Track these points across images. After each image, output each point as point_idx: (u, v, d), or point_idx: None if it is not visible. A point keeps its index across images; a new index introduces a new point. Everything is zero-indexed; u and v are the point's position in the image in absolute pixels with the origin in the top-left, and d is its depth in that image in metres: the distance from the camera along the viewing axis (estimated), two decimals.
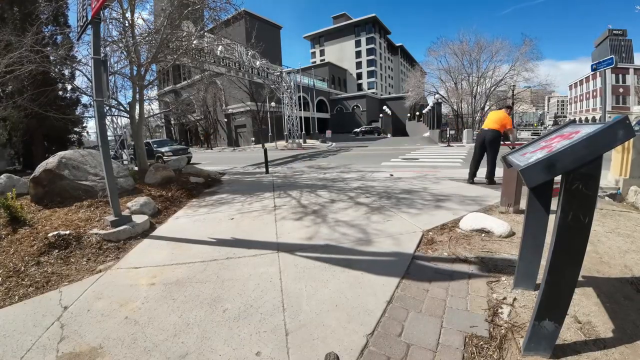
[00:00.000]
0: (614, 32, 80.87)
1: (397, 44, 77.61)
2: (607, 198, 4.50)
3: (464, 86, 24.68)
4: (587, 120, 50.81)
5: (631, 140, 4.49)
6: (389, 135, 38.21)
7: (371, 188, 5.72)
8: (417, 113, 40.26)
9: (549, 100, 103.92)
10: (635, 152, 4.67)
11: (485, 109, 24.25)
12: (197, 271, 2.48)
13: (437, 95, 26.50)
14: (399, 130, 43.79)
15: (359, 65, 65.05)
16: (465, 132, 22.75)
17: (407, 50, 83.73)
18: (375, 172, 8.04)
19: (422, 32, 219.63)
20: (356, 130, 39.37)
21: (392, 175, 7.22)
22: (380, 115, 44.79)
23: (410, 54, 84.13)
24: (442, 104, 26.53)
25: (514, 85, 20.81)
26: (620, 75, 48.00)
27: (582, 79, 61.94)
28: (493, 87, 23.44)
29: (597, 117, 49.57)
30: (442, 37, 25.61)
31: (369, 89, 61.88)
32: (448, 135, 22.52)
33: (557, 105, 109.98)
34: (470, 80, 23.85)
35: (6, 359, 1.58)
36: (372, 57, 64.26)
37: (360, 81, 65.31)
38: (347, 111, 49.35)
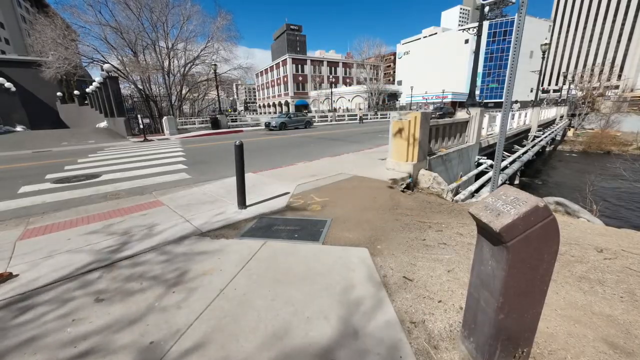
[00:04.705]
0: (291, 27, 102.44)
1: None
2: (407, 192, 4.38)
3: (148, 60, 17.95)
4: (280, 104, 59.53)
5: (417, 125, 4.89)
6: (19, 128, 22.12)
7: None
8: (77, 92, 26.67)
9: (237, 88, 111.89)
10: (421, 137, 4.94)
11: (184, 92, 19.56)
12: None
13: (106, 66, 17.46)
14: (46, 118, 27.72)
15: None
16: (165, 120, 16.80)
17: None
18: None
19: None
20: None
21: None
22: None
23: None
24: (120, 81, 18.06)
25: (215, 65, 17.92)
26: (299, 66, 56.72)
27: (267, 68, 65.60)
28: (189, 64, 19.03)
29: (282, 101, 58.09)
30: None
31: None
32: (142, 126, 15.41)
33: (245, 91, 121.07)
34: (158, 50, 17.60)
35: None
36: None
37: None
38: None
